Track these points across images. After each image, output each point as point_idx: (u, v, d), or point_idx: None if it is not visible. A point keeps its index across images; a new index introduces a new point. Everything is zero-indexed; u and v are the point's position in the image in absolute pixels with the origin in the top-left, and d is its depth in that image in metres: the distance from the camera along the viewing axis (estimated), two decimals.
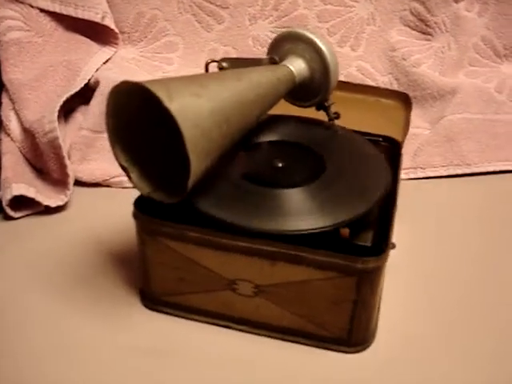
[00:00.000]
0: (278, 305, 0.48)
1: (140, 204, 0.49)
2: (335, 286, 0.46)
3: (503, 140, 0.75)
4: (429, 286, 0.56)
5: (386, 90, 0.80)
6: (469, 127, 0.74)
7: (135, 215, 0.49)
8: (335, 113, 0.58)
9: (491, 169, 0.73)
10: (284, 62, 0.55)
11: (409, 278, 0.57)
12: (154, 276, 0.51)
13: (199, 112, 0.44)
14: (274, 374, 0.47)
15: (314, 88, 0.57)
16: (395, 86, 0.81)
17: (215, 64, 0.59)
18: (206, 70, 0.60)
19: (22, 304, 0.53)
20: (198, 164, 0.44)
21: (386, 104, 0.79)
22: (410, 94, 0.77)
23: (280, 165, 0.52)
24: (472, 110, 0.75)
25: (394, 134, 0.64)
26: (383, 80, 0.82)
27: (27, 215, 0.64)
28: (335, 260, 0.44)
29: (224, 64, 0.59)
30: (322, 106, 0.58)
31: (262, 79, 0.51)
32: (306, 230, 0.45)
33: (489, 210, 0.68)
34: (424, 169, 0.72)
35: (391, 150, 0.59)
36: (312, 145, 0.55)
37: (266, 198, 0.48)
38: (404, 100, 0.78)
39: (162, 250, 0.49)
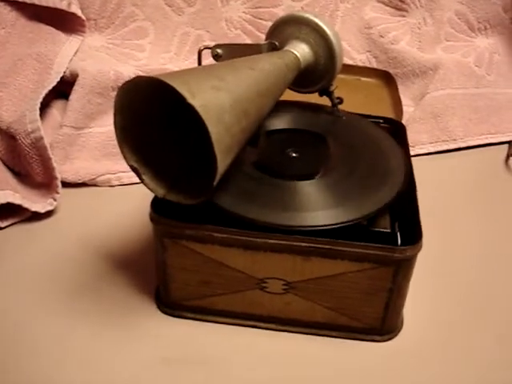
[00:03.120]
0: (309, 300, 0.47)
1: (156, 205, 0.46)
2: (370, 277, 0.45)
3: (484, 114, 0.76)
4: (441, 266, 0.57)
5: (366, 68, 0.80)
6: (452, 103, 0.75)
7: (153, 218, 0.46)
8: (338, 98, 0.57)
9: (475, 143, 0.75)
10: (287, 47, 0.53)
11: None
12: (175, 281, 0.48)
13: (221, 106, 0.42)
14: (310, 369, 0.47)
15: (319, 73, 0.55)
16: (374, 64, 0.81)
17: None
18: (199, 57, 0.57)
19: (25, 322, 0.49)
20: (223, 162, 0.41)
21: (367, 83, 0.78)
22: (391, 72, 0.77)
23: (294, 155, 0.50)
24: (454, 86, 0.76)
25: (382, 113, 0.63)
26: (361, 58, 0.82)
27: (14, 223, 0.59)
28: (372, 252, 0.43)
29: (218, 51, 0.56)
30: (325, 91, 0.56)
31: (272, 67, 0.49)
32: (339, 223, 0.43)
33: (480, 183, 0.70)
34: (413, 146, 0.72)
35: (393, 131, 0.58)
36: (320, 131, 0.53)
37: (288, 192, 0.46)
38: (385, 78, 0.78)
39: (184, 254, 0.46)
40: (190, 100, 0.39)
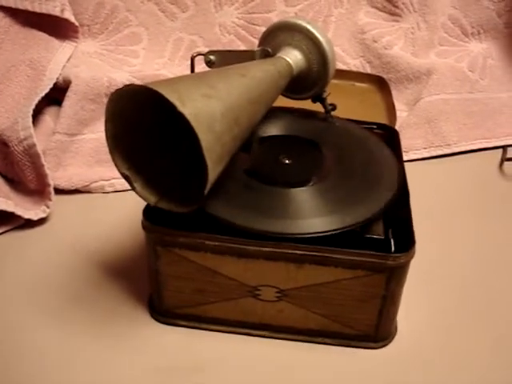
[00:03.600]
0: (302, 307, 0.47)
1: (149, 213, 0.46)
2: (364, 284, 0.45)
3: (478, 118, 0.76)
4: (435, 272, 0.57)
5: (360, 73, 0.80)
6: (446, 108, 0.75)
7: (145, 226, 0.46)
8: (331, 104, 0.57)
9: (469, 148, 0.74)
10: (279, 54, 0.53)
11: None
12: (168, 289, 0.48)
13: (212, 114, 0.41)
14: (303, 376, 0.46)
15: (311, 80, 0.55)
16: (368, 69, 0.81)
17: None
18: (192, 64, 0.57)
19: (15, 330, 0.49)
20: (213, 171, 0.41)
21: (361, 88, 0.78)
22: (385, 77, 0.77)
23: (287, 161, 0.50)
24: (448, 91, 0.76)
25: (375, 119, 0.63)
26: (354, 63, 0.82)
27: (6, 231, 0.59)
28: (366, 259, 0.43)
29: (211, 57, 0.56)
30: (318, 97, 0.56)
31: (264, 74, 0.49)
32: (333, 230, 0.43)
33: (474, 188, 0.69)
34: (407, 152, 0.72)
35: (387, 137, 0.58)
36: (313, 137, 0.53)
37: (281, 199, 0.46)
38: (379, 83, 0.78)
39: (177, 262, 0.46)
40: (180, 108, 0.39)
